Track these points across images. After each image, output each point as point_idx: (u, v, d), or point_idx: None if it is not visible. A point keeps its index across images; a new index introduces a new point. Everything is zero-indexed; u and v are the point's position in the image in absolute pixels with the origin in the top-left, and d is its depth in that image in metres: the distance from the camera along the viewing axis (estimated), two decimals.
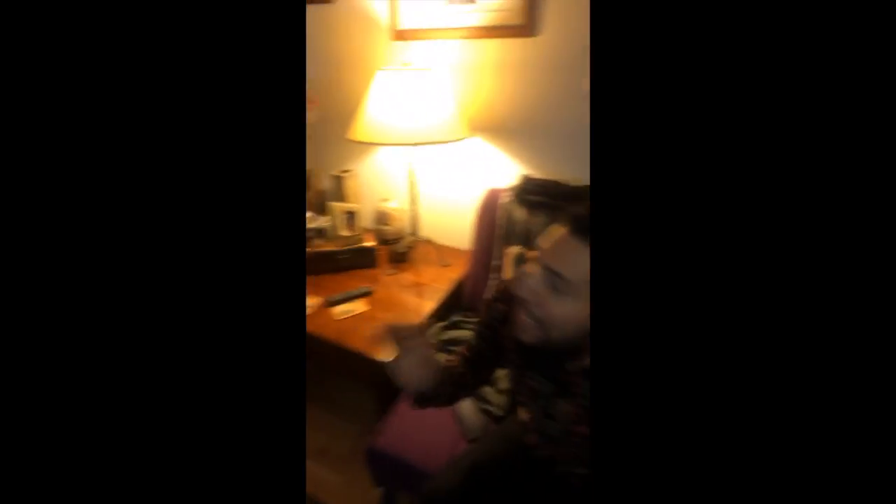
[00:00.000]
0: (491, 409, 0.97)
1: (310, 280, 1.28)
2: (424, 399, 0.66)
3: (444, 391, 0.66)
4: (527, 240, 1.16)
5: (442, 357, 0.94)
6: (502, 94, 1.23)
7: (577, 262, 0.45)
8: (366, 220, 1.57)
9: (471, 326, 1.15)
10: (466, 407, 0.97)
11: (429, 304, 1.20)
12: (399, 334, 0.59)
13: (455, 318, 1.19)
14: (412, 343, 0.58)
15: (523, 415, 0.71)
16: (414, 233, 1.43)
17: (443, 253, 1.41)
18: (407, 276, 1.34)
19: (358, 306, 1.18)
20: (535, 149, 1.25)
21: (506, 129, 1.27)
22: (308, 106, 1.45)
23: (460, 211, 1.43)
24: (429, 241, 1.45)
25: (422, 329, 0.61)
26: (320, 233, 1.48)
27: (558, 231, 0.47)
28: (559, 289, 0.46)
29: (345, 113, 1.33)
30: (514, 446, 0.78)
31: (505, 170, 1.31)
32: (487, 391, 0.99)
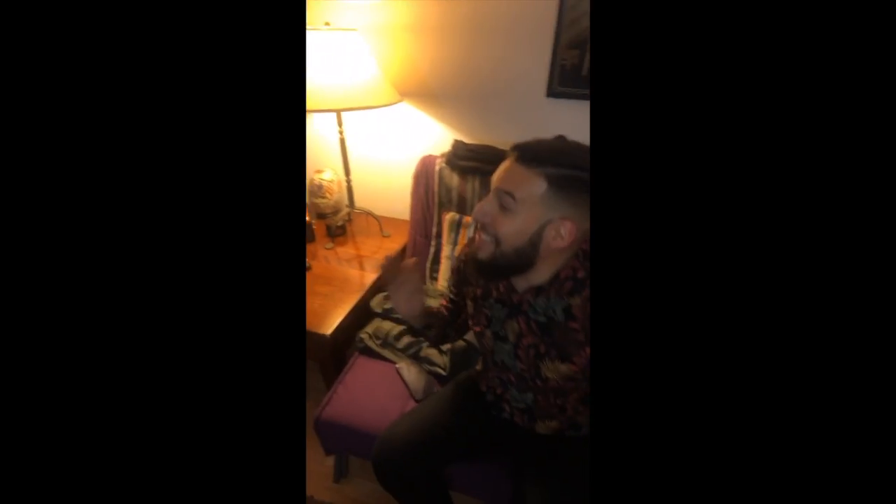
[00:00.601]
0: (435, 369, 1.01)
1: None
2: (417, 332, 0.81)
3: (434, 327, 0.79)
4: (461, 205, 1.18)
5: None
6: (427, 57, 1.21)
7: (521, 183, 0.55)
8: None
9: None
10: (411, 370, 1.00)
11: (370, 276, 1.19)
12: (394, 269, 0.69)
13: None
14: (403, 278, 0.69)
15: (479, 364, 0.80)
16: (350, 204, 1.40)
17: (382, 224, 1.40)
18: (346, 250, 1.32)
19: None
20: (464, 113, 1.26)
21: (434, 93, 1.25)
22: None
23: (397, 180, 1.42)
24: (367, 213, 1.43)
25: (413, 267, 0.70)
26: None
27: (506, 162, 0.57)
28: (507, 207, 0.56)
29: None
30: (465, 394, 0.83)
31: (437, 136, 1.31)
32: (431, 353, 1.03)
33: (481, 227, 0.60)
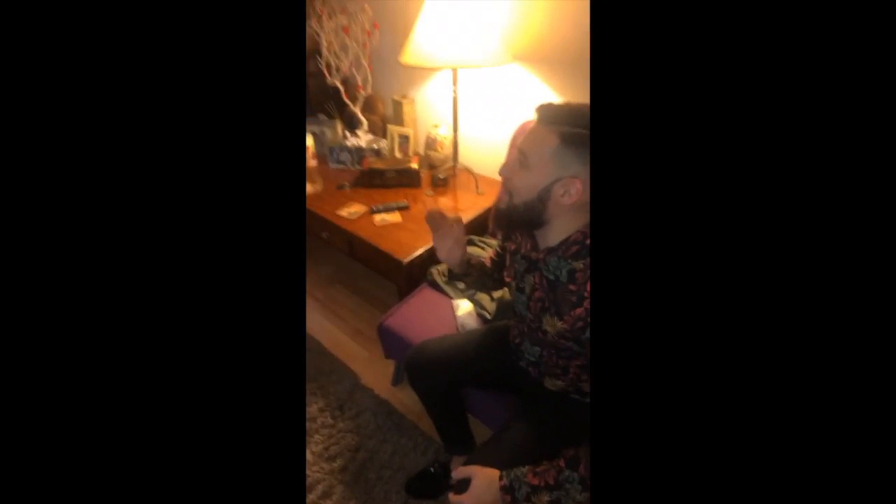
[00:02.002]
0: (483, 312, 1.11)
1: (360, 192, 1.49)
2: (454, 276, 0.87)
3: (471, 275, 0.86)
4: None
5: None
6: (541, 21, 1.22)
7: (537, 143, 0.60)
8: (420, 144, 1.71)
9: (484, 246, 1.27)
10: (463, 308, 1.12)
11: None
12: (438, 220, 0.77)
13: (473, 237, 1.32)
14: (447, 229, 0.76)
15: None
16: (454, 160, 1.53)
17: (479, 182, 1.51)
18: (445, 200, 1.48)
19: (394, 217, 1.37)
20: (573, 78, 1.24)
21: (544, 57, 1.27)
22: (372, 30, 1.57)
23: (500, 141, 1.49)
24: (467, 170, 1.55)
25: (456, 222, 0.78)
26: (377, 153, 1.66)
27: (531, 123, 0.63)
28: (524, 164, 0.61)
29: (403, 38, 1.42)
30: (494, 337, 0.93)
31: (545, 100, 1.32)
32: (483, 297, 1.13)
33: (504, 181, 0.66)
